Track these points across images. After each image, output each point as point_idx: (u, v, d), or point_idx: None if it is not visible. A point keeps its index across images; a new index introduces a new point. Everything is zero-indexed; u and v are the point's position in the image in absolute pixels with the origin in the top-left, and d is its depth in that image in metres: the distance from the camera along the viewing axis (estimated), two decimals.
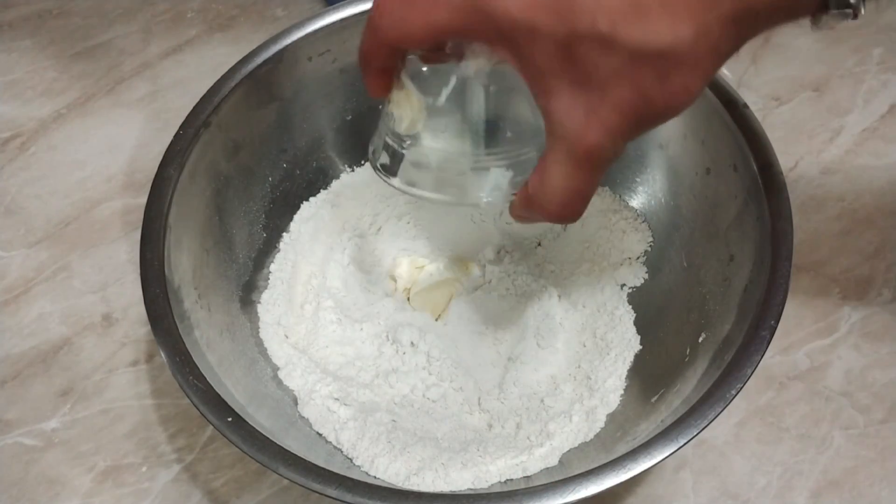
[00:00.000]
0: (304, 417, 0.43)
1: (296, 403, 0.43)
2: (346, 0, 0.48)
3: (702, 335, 0.41)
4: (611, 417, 0.43)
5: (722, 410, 0.35)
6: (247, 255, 0.48)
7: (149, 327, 0.39)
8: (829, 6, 0.28)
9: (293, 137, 0.50)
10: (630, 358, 0.45)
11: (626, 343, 0.45)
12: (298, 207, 0.50)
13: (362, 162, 0.52)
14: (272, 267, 0.49)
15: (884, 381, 0.47)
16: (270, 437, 0.36)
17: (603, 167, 0.30)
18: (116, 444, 0.47)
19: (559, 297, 0.48)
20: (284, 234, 0.50)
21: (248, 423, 0.36)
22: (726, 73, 0.59)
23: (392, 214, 0.51)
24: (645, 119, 0.29)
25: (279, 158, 0.50)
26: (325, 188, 0.52)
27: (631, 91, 0.28)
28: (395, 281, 0.50)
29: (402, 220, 0.51)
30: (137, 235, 0.41)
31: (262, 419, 0.38)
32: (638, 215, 0.49)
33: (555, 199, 0.32)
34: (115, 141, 0.60)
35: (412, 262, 0.50)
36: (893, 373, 0.47)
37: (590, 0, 0.27)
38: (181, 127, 0.44)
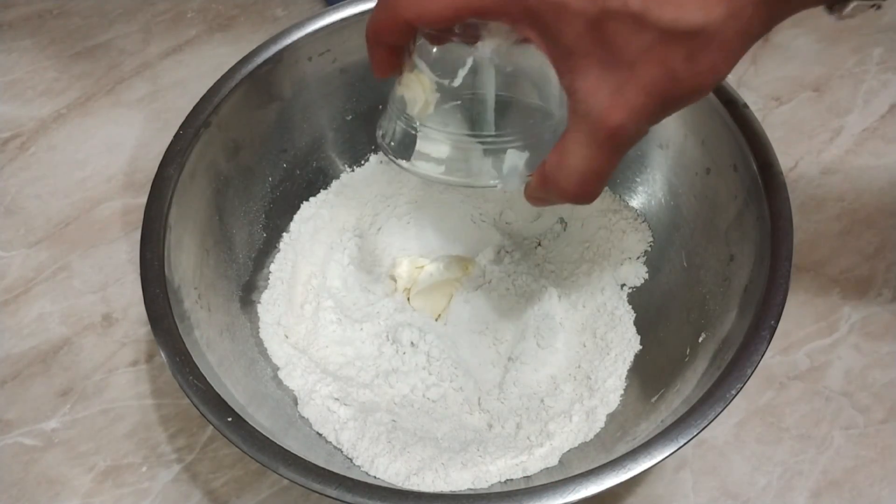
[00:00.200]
0: (304, 417, 0.43)
1: (296, 403, 0.43)
2: (346, 0, 0.48)
3: (702, 335, 0.41)
4: (611, 417, 0.43)
5: (722, 410, 0.35)
6: (247, 255, 0.48)
7: (149, 327, 0.39)
8: None
9: (293, 137, 0.50)
10: (630, 358, 0.45)
11: (626, 343, 0.45)
12: (298, 207, 0.50)
13: (362, 162, 0.52)
14: (272, 267, 0.49)
15: (884, 381, 0.47)
16: (270, 437, 0.36)
17: (624, 148, 0.30)
18: (116, 444, 0.47)
19: (559, 297, 0.48)
20: (284, 234, 0.50)
21: (248, 423, 0.36)
22: None
23: (392, 214, 0.51)
24: (671, 99, 0.29)
25: (279, 158, 0.50)
26: (325, 188, 0.52)
27: (659, 70, 0.28)
28: (395, 281, 0.50)
29: (402, 220, 0.51)
30: (137, 235, 0.41)
31: (262, 419, 0.38)
32: (638, 215, 0.49)
33: (573, 179, 0.31)
34: (115, 141, 0.60)
35: (412, 262, 0.50)
36: (893, 373, 0.47)
37: None
38: (181, 127, 0.44)
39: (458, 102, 0.35)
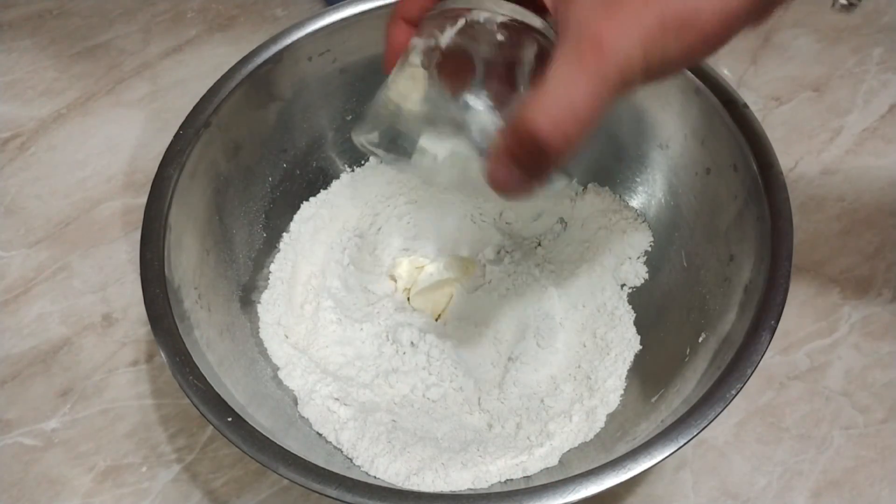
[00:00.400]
0: (304, 417, 0.43)
1: (296, 403, 0.43)
2: (346, 0, 0.48)
3: (702, 335, 0.41)
4: (611, 417, 0.43)
5: (722, 410, 0.35)
6: (247, 255, 0.48)
7: (149, 327, 0.39)
8: None
9: (293, 137, 0.50)
10: (630, 358, 0.45)
11: (626, 343, 0.45)
12: (298, 207, 0.50)
13: (362, 162, 0.52)
14: (272, 267, 0.49)
15: (884, 381, 0.47)
16: (270, 437, 0.36)
17: (615, 82, 0.26)
18: (116, 444, 0.47)
19: (559, 297, 0.48)
20: (284, 234, 0.50)
21: (248, 423, 0.36)
22: (726, 72, 0.59)
23: (392, 214, 0.51)
24: (672, 34, 0.25)
25: (279, 158, 0.50)
26: (325, 188, 0.52)
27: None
28: (395, 281, 0.50)
29: (402, 220, 0.51)
30: (137, 235, 0.41)
31: (262, 419, 0.38)
32: (638, 215, 0.49)
33: (551, 112, 0.26)
34: (115, 141, 0.60)
35: (412, 262, 0.50)
36: (893, 373, 0.47)
37: None
38: (181, 127, 0.44)
39: (448, 100, 0.34)
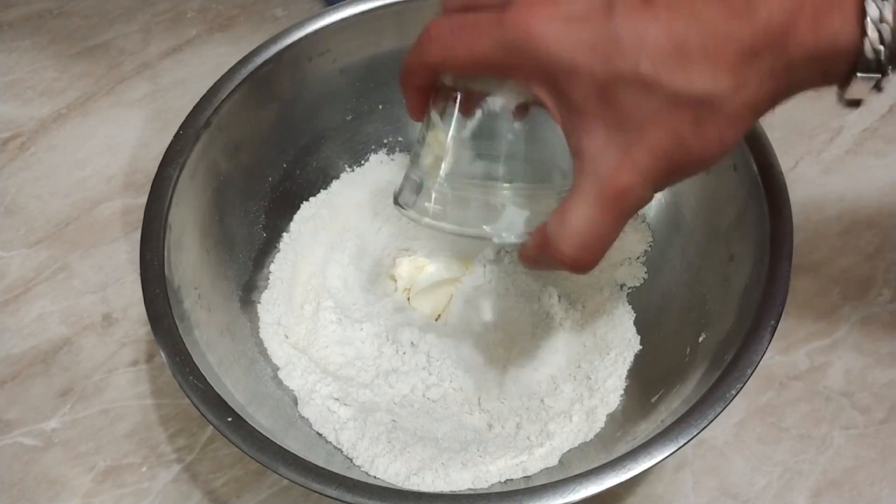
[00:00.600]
0: (304, 417, 0.43)
1: (296, 403, 0.43)
2: (346, 0, 0.48)
3: (702, 335, 0.41)
4: (611, 417, 0.43)
5: (722, 410, 0.35)
6: (247, 255, 0.48)
7: (149, 327, 0.39)
8: (858, 67, 0.28)
9: (293, 137, 0.50)
10: (630, 358, 0.45)
11: (626, 343, 0.45)
12: (298, 207, 0.50)
13: (362, 162, 0.52)
14: (272, 267, 0.49)
15: (884, 381, 0.47)
16: (270, 437, 0.36)
17: (628, 213, 0.31)
18: (116, 444, 0.47)
19: (559, 297, 0.48)
20: (284, 234, 0.50)
21: (248, 423, 0.36)
22: None
23: (392, 214, 0.51)
24: (677, 165, 0.29)
25: (279, 158, 0.50)
26: (325, 188, 0.52)
27: (667, 134, 0.28)
28: (395, 281, 0.50)
29: (402, 220, 0.51)
30: (137, 235, 0.41)
31: (262, 419, 0.38)
32: (638, 215, 0.49)
33: (574, 242, 0.31)
34: (115, 141, 0.60)
35: (412, 262, 0.50)
36: (893, 373, 0.47)
37: (634, 43, 0.27)
38: (181, 127, 0.44)
39: (469, 154, 0.36)
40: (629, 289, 0.48)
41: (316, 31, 0.48)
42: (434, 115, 0.36)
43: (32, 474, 0.46)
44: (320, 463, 0.35)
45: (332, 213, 0.51)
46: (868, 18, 0.27)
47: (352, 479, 0.34)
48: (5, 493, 0.45)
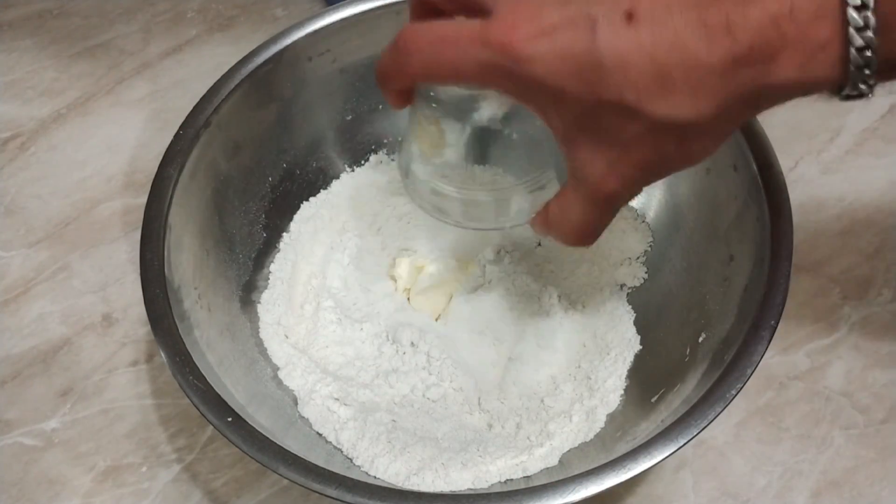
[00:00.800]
0: (304, 417, 0.43)
1: (296, 403, 0.43)
2: (346, 0, 0.48)
3: (702, 335, 0.41)
4: (611, 417, 0.43)
5: (722, 410, 0.35)
6: (247, 255, 0.48)
7: (149, 327, 0.39)
8: (842, 90, 0.28)
9: (293, 137, 0.50)
10: (630, 358, 0.45)
11: (626, 343, 0.45)
12: (298, 207, 0.50)
13: (362, 162, 0.52)
14: (272, 267, 0.49)
15: (884, 381, 0.47)
16: (270, 437, 0.36)
17: (619, 206, 0.34)
18: (116, 444, 0.47)
19: (559, 297, 0.48)
20: (284, 234, 0.50)
21: (248, 423, 0.36)
22: None
23: (392, 214, 0.51)
24: (662, 172, 0.32)
25: (279, 158, 0.50)
26: (325, 188, 0.52)
27: (651, 151, 0.30)
28: (395, 281, 0.50)
29: (402, 220, 0.51)
30: (137, 235, 0.41)
31: (262, 419, 0.38)
32: (638, 215, 0.49)
33: (572, 230, 0.35)
34: (115, 141, 0.60)
35: (412, 262, 0.50)
36: (893, 373, 0.47)
37: (618, 73, 0.28)
38: (181, 127, 0.44)
39: (465, 153, 0.37)
40: (629, 289, 0.48)
41: (316, 31, 0.48)
42: (423, 105, 0.36)
43: (32, 474, 0.46)
44: (320, 463, 0.35)
45: (332, 213, 0.51)
46: (853, 50, 0.26)
47: (352, 479, 0.34)
48: (5, 493, 0.45)
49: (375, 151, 0.53)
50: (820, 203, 0.54)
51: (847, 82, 0.27)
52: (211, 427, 0.39)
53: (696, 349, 0.41)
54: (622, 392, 0.44)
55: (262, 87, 0.47)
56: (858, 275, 0.51)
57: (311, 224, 0.50)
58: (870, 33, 0.26)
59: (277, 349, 0.45)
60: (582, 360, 0.46)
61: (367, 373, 0.46)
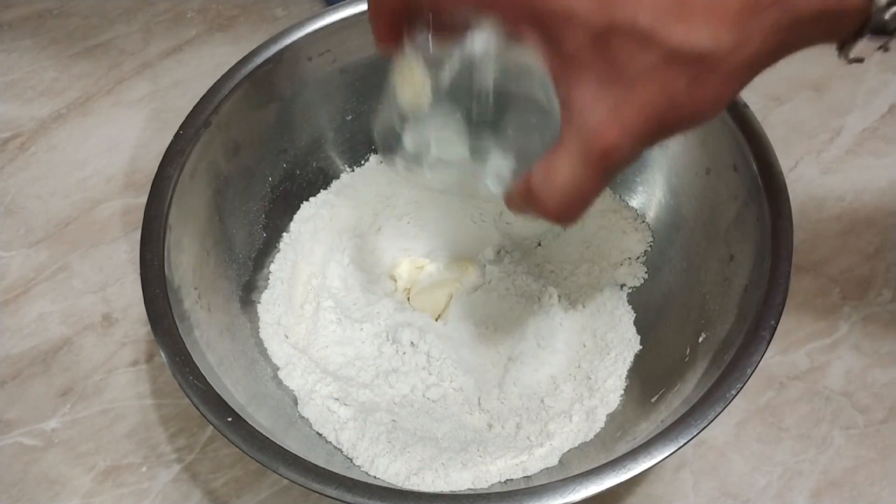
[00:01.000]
0: (304, 417, 0.43)
1: (296, 403, 0.43)
2: (346, 0, 0.48)
3: (702, 335, 0.41)
4: (611, 417, 0.43)
5: (722, 410, 0.35)
6: (247, 255, 0.48)
7: (149, 327, 0.39)
8: (865, 29, 0.27)
9: (293, 137, 0.50)
10: (630, 358, 0.45)
11: (626, 343, 0.45)
12: (298, 207, 0.51)
13: (362, 162, 0.52)
14: (272, 267, 0.49)
15: (884, 381, 0.47)
16: (270, 437, 0.36)
17: (614, 170, 0.29)
18: (116, 444, 0.47)
19: (559, 297, 0.48)
20: (284, 234, 0.50)
21: (248, 423, 0.36)
22: None
23: (392, 214, 0.51)
24: (667, 123, 0.28)
25: (279, 158, 0.50)
26: (325, 188, 0.52)
27: (659, 92, 0.27)
28: (395, 281, 0.50)
29: (402, 220, 0.51)
30: (137, 235, 0.41)
31: (262, 419, 0.38)
32: (638, 215, 0.49)
33: (556, 196, 0.30)
34: (115, 141, 0.60)
35: (412, 262, 0.50)
36: (893, 373, 0.47)
37: None
38: (181, 127, 0.44)
39: (449, 101, 0.34)
40: (629, 289, 0.48)
41: (316, 31, 0.47)
42: (411, 52, 0.33)
43: (32, 474, 0.46)
44: (320, 463, 0.35)
45: (332, 213, 0.51)
46: None
47: (352, 479, 0.34)
48: (5, 493, 0.45)
49: (375, 151, 0.53)
50: (820, 203, 0.54)
51: (871, 18, 0.26)
52: (211, 427, 0.39)
53: (696, 349, 0.41)
54: (622, 392, 0.44)
55: (262, 87, 0.47)
56: (858, 275, 0.51)
57: (311, 224, 0.50)
58: None
59: (277, 349, 0.45)
60: (582, 360, 0.46)
61: (367, 373, 0.46)
